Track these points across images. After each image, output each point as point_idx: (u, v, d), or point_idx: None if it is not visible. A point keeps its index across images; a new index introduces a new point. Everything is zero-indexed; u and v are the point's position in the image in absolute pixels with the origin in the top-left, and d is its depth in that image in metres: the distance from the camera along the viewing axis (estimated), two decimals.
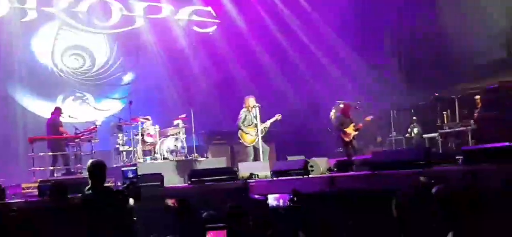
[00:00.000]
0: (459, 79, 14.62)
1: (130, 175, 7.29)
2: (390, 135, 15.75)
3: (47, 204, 7.77)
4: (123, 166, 10.56)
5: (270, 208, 7.60)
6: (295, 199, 6.45)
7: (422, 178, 5.88)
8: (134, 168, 7.71)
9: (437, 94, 13.98)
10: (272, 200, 7.87)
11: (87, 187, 6.16)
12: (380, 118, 13.81)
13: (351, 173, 8.92)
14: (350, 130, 12.61)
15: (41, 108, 14.93)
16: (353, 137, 12.65)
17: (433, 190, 3.99)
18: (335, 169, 9.68)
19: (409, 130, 15.47)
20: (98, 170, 6.16)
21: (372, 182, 7.42)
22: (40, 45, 15.62)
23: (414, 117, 15.51)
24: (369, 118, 12.99)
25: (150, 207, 7.79)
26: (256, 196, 9.06)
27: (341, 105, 13.52)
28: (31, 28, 15.46)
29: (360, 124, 12.81)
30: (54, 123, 12.46)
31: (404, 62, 17.36)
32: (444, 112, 13.63)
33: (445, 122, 13.50)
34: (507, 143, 7.12)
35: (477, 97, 12.57)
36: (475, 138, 11.91)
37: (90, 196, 6.08)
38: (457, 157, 8.95)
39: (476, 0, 14.89)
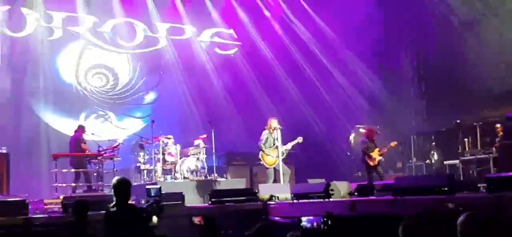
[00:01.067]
0: (480, 106, 14.56)
1: (154, 193, 7.42)
2: (410, 161, 15.68)
3: (69, 220, 7.86)
4: (146, 184, 10.66)
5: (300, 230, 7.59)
6: (329, 222, 6.44)
7: (449, 205, 5.86)
8: (158, 186, 7.82)
9: (458, 121, 13.90)
10: (306, 222, 7.91)
11: (112, 204, 6.23)
12: (400, 143, 13.74)
13: (373, 197, 8.91)
14: (375, 154, 12.57)
15: (64, 125, 15.14)
16: (378, 162, 12.60)
17: (460, 218, 3.99)
18: (356, 193, 9.68)
19: (429, 156, 15.38)
20: (124, 187, 6.25)
21: (394, 207, 7.41)
22: (65, 63, 15.89)
23: (433, 143, 15.44)
24: (394, 143, 13.00)
25: (173, 224, 7.89)
26: (277, 218, 9.10)
27: (361, 130, 13.51)
28: (56, 46, 15.72)
29: (385, 149, 12.79)
30: (77, 140, 12.63)
31: (424, 87, 17.34)
32: (466, 139, 13.53)
33: (466, 149, 13.40)
34: None
35: (498, 125, 12.51)
36: (496, 166, 11.81)
37: (115, 213, 6.15)
38: (479, 185, 8.91)
39: (495, 27, 14.86)
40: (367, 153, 12.58)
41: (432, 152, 15.30)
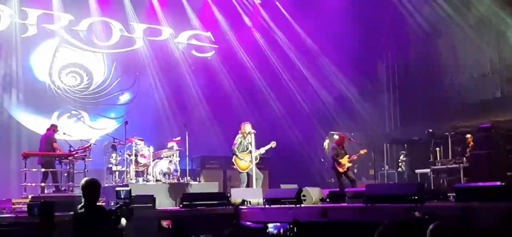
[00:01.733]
0: (453, 116, 14.79)
1: (124, 195, 7.33)
2: (383, 168, 15.83)
3: (35, 222, 7.73)
4: (116, 186, 10.53)
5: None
6: (295, 229, 6.44)
7: (416, 213, 5.91)
8: (128, 189, 7.73)
9: (430, 130, 14.09)
10: (272, 228, 7.90)
11: (80, 205, 6.14)
12: (373, 150, 13.87)
13: (344, 204, 8.96)
14: (345, 161, 12.68)
15: (36, 124, 14.92)
16: (348, 169, 12.71)
17: (430, 227, 4.02)
18: (328, 200, 9.72)
19: (399, 163, 15.61)
20: (92, 188, 6.14)
21: (365, 214, 7.45)
22: (39, 61, 15.66)
23: (401, 152, 15.72)
24: (363, 151, 13.09)
25: (142, 227, 7.80)
26: (248, 223, 9.07)
27: (335, 136, 13.60)
28: (31, 43, 15.50)
29: (355, 156, 12.91)
30: (48, 139, 12.42)
31: (398, 95, 17.54)
32: (437, 148, 13.72)
33: (438, 158, 13.58)
34: (498, 182, 7.19)
35: (468, 135, 12.72)
36: (467, 175, 11.99)
37: (82, 215, 6.06)
38: (449, 194, 9.03)
39: (470, 39, 15.12)
40: (337, 160, 12.69)
41: (400, 159, 15.54)
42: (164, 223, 6.63)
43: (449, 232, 4.17)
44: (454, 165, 12.63)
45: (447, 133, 13.63)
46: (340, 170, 12.65)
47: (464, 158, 12.45)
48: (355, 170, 13.79)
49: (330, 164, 13.04)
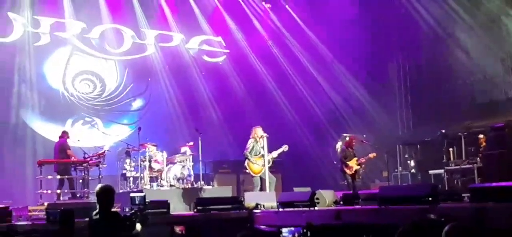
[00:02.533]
0: (464, 117, 14.71)
1: (138, 201, 7.38)
2: (396, 170, 15.78)
3: (53, 228, 7.80)
4: (130, 192, 10.61)
5: None
6: (309, 233, 6.44)
7: (431, 216, 5.89)
8: (142, 194, 7.79)
9: (443, 131, 14.03)
10: (287, 232, 7.92)
11: (95, 212, 6.19)
12: (386, 152, 13.83)
13: (358, 207, 8.94)
14: (353, 163, 12.68)
15: (51, 132, 15.05)
16: (355, 171, 12.71)
17: (445, 228, 4.02)
18: (341, 202, 9.70)
19: (408, 165, 15.65)
20: (107, 195, 6.19)
21: (379, 216, 7.44)
22: (52, 69, 15.83)
23: (407, 154, 15.72)
24: (373, 154, 13.10)
25: (155, 233, 7.84)
26: (262, 227, 9.09)
27: (347, 138, 13.59)
28: (44, 52, 15.67)
29: (363, 159, 12.88)
30: (62, 146, 12.55)
31: (410, 97, 17.49)
32: (450, 149, 13.65)
33: (451, 159, 13.51)
34: None
35: (481, 136, 12.63)
36: (481, 176, 11.91)
37: (98, 221, 6.11)
38: (463, 195, 8.98)
39: (481, 40, 15.05)
40: (345, 162, 12.70)
41: (409, 161, 15.55)
42: (177, 229, 6.64)
43: (464, 233, 4.17)
44: (467, 166, 12.56)
45: (460, 134, 13.56)
46: (348, 172, 12.69)
47: (478, 158, 12.38)
48: (361, 170, 13.75)
49: (340, 166, 13.04)
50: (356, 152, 13.02)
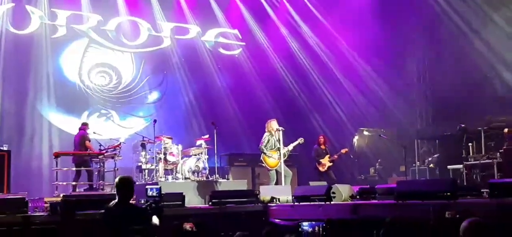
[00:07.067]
0: (484, 112, 14.44)
1: (154, 193, 7.32)
2: (414, 164, 15.58)
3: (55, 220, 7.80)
4: (145, 184, 10.58)
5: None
6: (329, 227, 6.37)
7: (447, 214, 5.78)
8: (158, 186, 7.74)
9: (462, 125, 13.80)
10: (307, 226, 7.87)
11: (113, 202, 6.15)
12: (404, 146, 13.65)
13: (375, 201, 8.82)
14: (325, 161, 13.05)
15: (67, 124, 15.16)
16: (328, 168, 13.06)
17: (463, 224, 3.92)
18: (358, 197, 9.59)
19: (429, 159, 15.44)
20: (126, 186, 6.16)
21: (396, 211, 7.32)
22: (68, 61, 15.89)
23: (423, 149, 15.53)
24: (344, 150, 13.55)
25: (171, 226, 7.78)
26: (277, 221, 9.02)
27: (365, 132, 13.52)
28: (60, 44, 15.74)
29: (335, 156, 13.27)
30: (82, 138, 12.58)
31: (429, 91, 17.24)
32: (470, 144, 13.42)
33: (471, 154, 13.28)
34: None
35: (506, 130, 12.36)
36: (501, 171, 11.69)
37: (116, 211, 6.07)
38: (482, 190, 8.81)
39: (502, 32, 14.77)
40: (318, 160, 13.08)
41: (427, 156, 15.38)
42: (187, 226, 6.54)
43: (482, 228, 4.09)
44: (487, 161, 12.33)
45: (480, 128, 13.31)
46: (321, 169, 13.05)
47: (498, 153, 12.14)
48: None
49: (362, 160, 13.13)
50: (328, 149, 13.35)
